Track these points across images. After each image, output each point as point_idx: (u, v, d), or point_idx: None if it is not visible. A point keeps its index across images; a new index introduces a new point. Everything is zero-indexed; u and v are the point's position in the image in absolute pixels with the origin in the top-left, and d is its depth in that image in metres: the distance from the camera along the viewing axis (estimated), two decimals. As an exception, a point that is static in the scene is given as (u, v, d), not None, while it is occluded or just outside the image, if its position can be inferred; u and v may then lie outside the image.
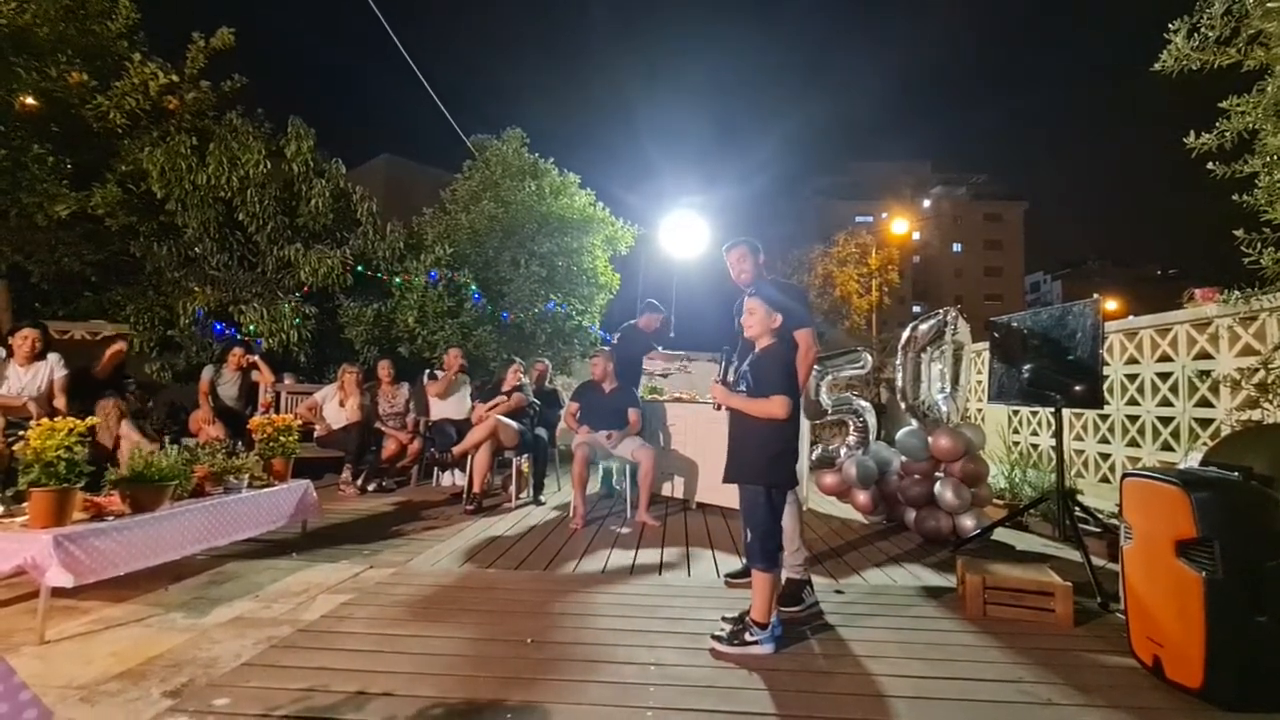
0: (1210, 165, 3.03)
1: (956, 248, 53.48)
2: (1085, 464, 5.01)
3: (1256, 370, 3.39)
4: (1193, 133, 2.87)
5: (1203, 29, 2.81)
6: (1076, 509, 3.33)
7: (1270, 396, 3.30)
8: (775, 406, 2.24)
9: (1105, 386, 4.25)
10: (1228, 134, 2.91)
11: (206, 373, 5.46)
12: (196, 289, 6.51)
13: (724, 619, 2.44)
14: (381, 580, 2.96)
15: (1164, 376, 4.29)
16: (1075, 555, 3.69)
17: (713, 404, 2.52)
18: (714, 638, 2.26)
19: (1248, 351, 3.69)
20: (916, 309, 51.05)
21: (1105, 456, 4.81)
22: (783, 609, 2.64)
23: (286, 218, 6.76)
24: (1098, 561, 3.19)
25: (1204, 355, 4.03)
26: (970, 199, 53.91)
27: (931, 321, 4.18)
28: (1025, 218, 54.40)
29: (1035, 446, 5.68)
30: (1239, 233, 2.90)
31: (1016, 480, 4.81)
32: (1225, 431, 3.74)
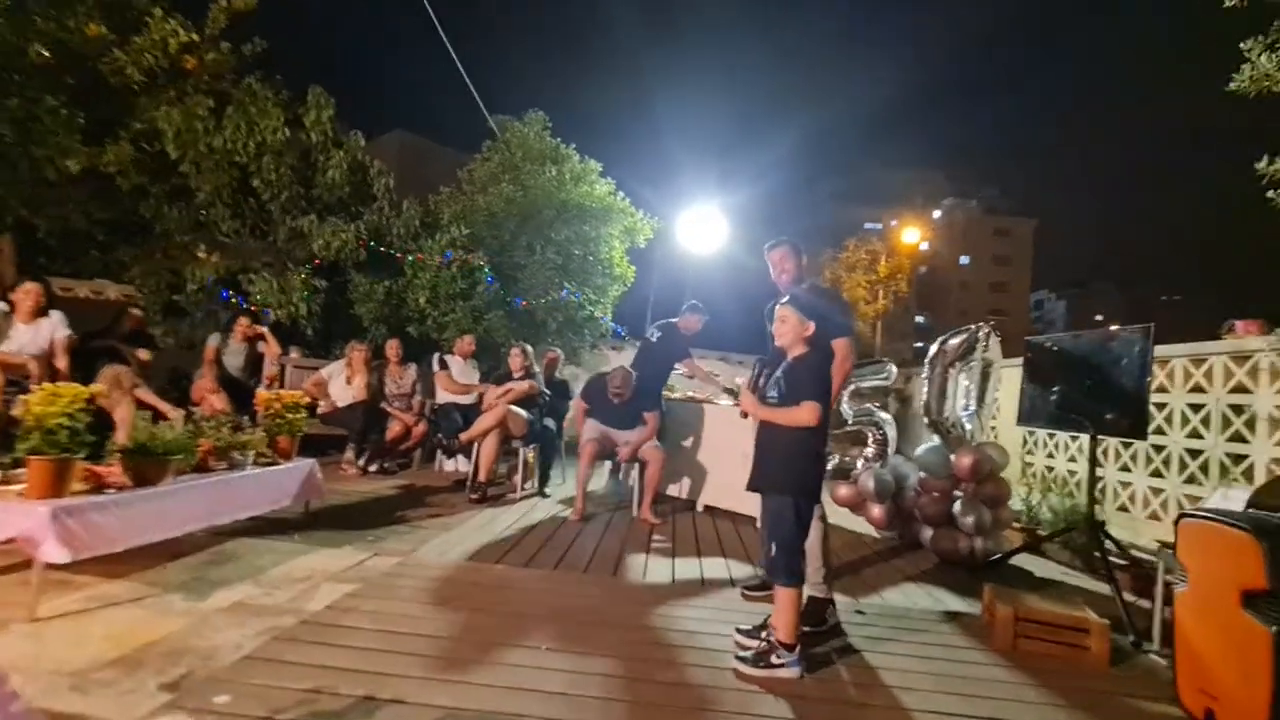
0: (1270, 194, 2.92)
1: (964, 260, 53.25)
2: (1103, 490, 4.90)
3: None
4: (1266, 158, 2.74)
5: (1282, 49, 2.68)
6: (1106, 541, 3.23)
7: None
8: (804, 413, 2.14)
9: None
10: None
11: (213, 341, 5.34)
12: (205, 255, 6.37)
13: (738, 630, 2.34)
14: (387, 570, 2.86)
15: (1195, 408, 4.18)
16: (1097, 585, 3.61)
17: (740, 413, 2.40)
18: (738, 658, 2.16)
19: (1290, 389, 3.58)
20: (920, 319, 50.94)
21: (1125, 485, 4.70)
22: (805, 628, 2.54)
23: (302, 188, 6.62)
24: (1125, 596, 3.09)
25: (1240, 389, 3.91)
26: (982, 212, 53.68)
27: (962, 336, 4.06)
28: (1034, 234, 54.22)
29: (1050, 469, 5.57)
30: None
31: (1034, 503, 4.71)
32: (1260, 469, 3.64)
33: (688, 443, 5.10)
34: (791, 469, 2.18)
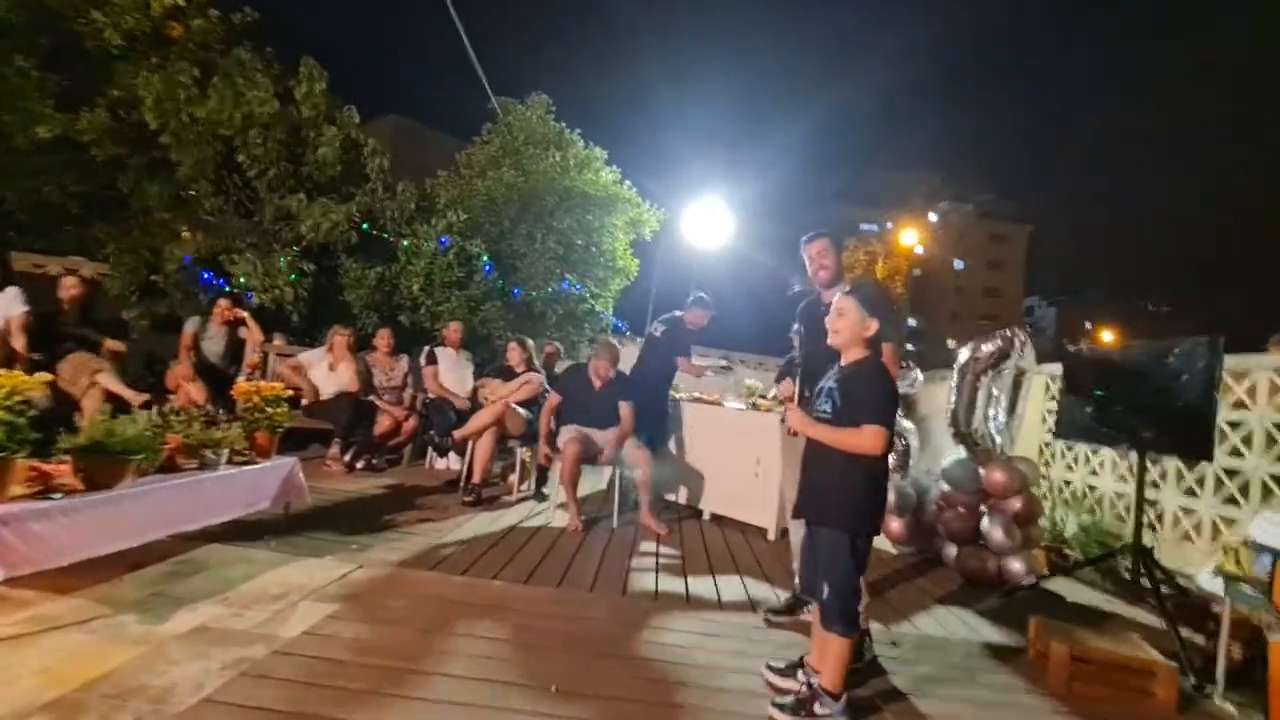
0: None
1: (959, 264, 53.28)
2: (1128, 509, 4.68)
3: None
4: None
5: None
6: (1150, 567, 3.00)
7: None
8: (868, 439, 1.84)
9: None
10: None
11: (191, 325, 4.99)
12: (186, 233, 6.00)
13: (770, 669, 2.09)
14: (373, 587, 2.57)
15: (1235, 425, 3.96)
16: (1132, 612, 3.39)
17: (786, 430, 2.12)
18: (775, 705, 1.89)
19: (1346, 409, 3.36)
20: (913, 322, 50.91)
21: (1153, 503, 4.49)
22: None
23: (290, 165, 6.24)
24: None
25: (1288, 407, 3.69)
26: (978, 217, 53.68)
27: (996, 343, 3.81)
28: (1029, 240, 54.39)
29: (1068, 483, 5.35)
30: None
31: (1057, 519, 4.49)
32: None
33: (694, 446, 4.83)
34: (848, 501, 1.89)
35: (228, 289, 5.71)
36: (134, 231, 6.07)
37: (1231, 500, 3.93)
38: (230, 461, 2.88)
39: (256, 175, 6.12)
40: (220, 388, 4.56)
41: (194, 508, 2.59)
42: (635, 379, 4.65)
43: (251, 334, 5.21)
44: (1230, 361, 4.08)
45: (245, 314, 5.19)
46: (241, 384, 3.24)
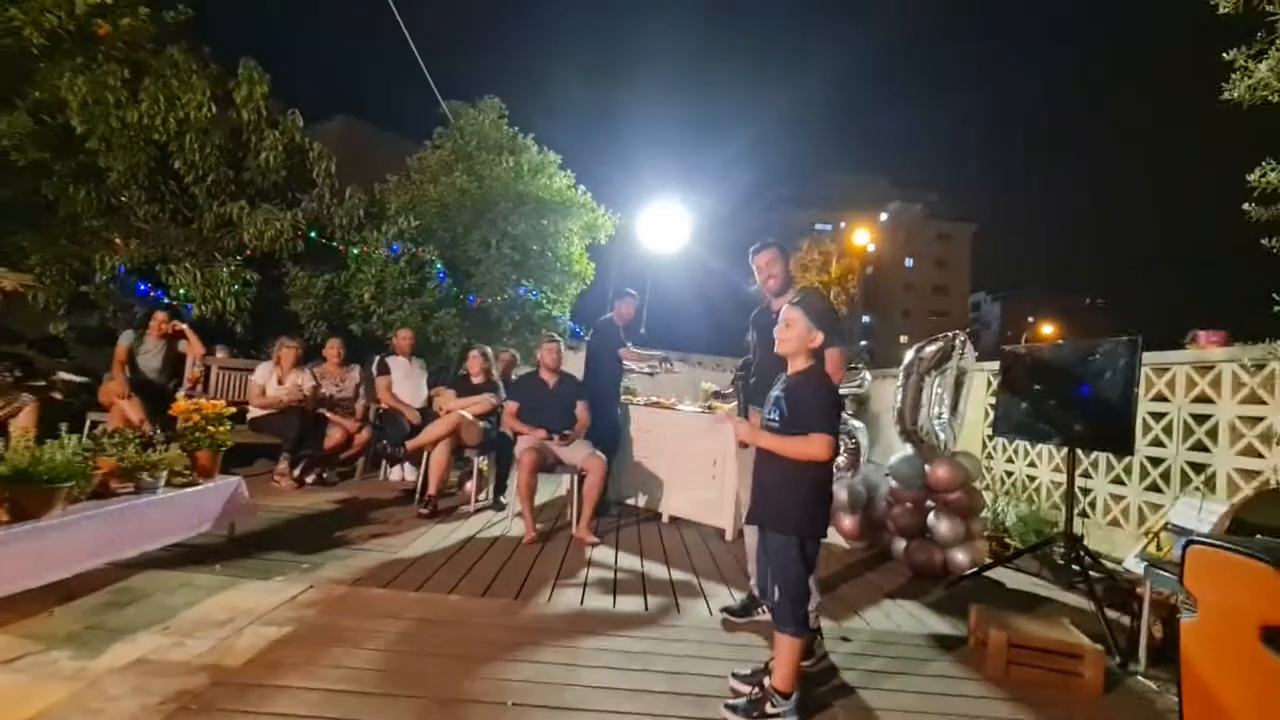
0: (1247, 206, 2.89)
1: (908, 262, 54.97)
2: (1064, 498, 4.93)
3: (1263, 420, 3.31)
4: (1258, 169, 2.69)
5: None
6: (1080, 553, 3.18)
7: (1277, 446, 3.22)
8: (815, 447, 1.91)
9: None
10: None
11: (125, 338, 4.78)
12: (119, 241, 5.72)
13: (735, 676, 2.14)
14: (324, 608, 2.52)
15: (1158, 416, 4.22)
16: (1068, 597, 3.58)
17: (737, 442, 2.17)
18: (728, 707, 1.94)
19: (1252, 399, 3.62)
20: (866, 319, 52.34)
21: (1086, 491, 4.74)
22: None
23: (231, 170, 6.01)
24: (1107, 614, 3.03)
25: (1202, 399, 3.96)
26: (925, 216, 55.51)
27: (938, 344, 3.97)
28: (973, 239, 56.54)
29: (1010, 474, 5.60)
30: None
31: (998, 510, 4.70)
32: (1222, 478, 3.68)
33: (651, 451, 4.87)
34: (796, 506, 1.95)
35: (165, 300, 5.47)
36: (61, 240, 5.75)
37: (1155, 487, 4.19)
38: (170, 483, 2.77)
39: (194, 181, 5.87)
40: (158, 405, 4.38)
41: (130, 534, 2.49)
42: (586, 385, 4.68)
43: (192, 347, 5.02)
44: (1152, 357, 4.36)
45: (184, 326, 5.00)
46: (181, 402, 3.13)
